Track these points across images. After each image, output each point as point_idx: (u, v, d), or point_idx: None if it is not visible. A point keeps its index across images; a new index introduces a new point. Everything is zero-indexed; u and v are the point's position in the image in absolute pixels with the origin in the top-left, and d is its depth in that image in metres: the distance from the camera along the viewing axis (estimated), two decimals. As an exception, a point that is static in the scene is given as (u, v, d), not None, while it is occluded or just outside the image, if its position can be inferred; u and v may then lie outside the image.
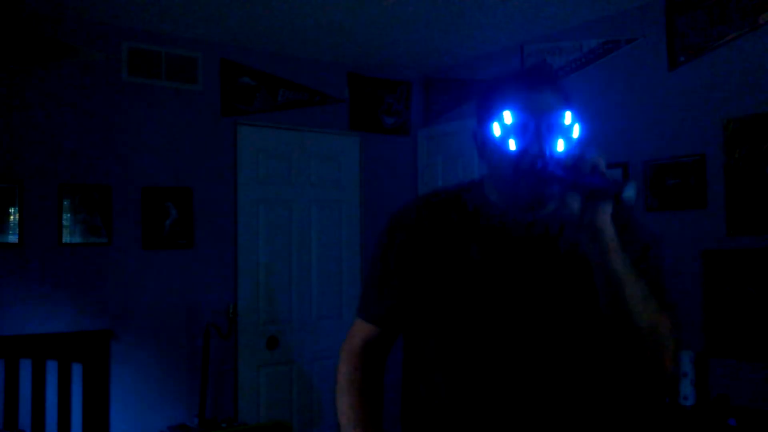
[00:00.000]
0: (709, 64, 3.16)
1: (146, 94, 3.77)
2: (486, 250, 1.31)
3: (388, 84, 4.64)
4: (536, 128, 1.20)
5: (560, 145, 1.18)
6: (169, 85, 3.83)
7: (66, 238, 3.51)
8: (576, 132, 1.21)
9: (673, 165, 3.25)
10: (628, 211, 1.24)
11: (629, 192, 1.01)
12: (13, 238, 3.38)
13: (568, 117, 1.20)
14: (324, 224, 4.39)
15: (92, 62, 3.62)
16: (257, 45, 4.07)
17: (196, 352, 3.77)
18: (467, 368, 1.33)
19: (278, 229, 4.22)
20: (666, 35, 3.32)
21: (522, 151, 1.20)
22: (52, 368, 3.43)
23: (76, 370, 3.49)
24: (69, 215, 3.52)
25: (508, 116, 1.21)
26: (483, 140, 1.30)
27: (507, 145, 1.21)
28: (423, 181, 4.67)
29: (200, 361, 3.72)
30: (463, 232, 1.33)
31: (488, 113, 1.27)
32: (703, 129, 3.16)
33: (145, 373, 3.69)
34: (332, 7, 3.48)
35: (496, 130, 1.22)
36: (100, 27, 3.64)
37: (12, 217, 3.38)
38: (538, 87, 1.23)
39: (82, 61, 3.58)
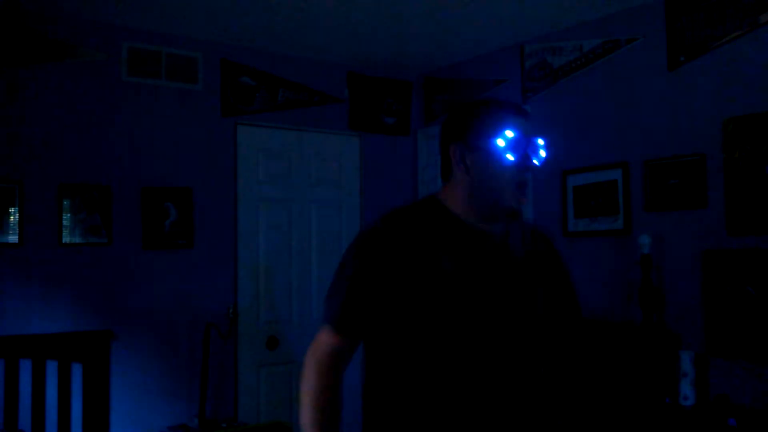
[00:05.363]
0: (709, 64, 3.16)
1: (146, 94, 3.77)
2: (456, 260, 1.50)
3: (388, 84, 4.63)
4: (527, 145, 1.52)
5: (542, 154, 1.56)
6: (169, 85, 3.83)
7: (66, 238, 3.51)
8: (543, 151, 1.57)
9: (673, 165, 3.25)
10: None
11: None
12: (13, 238, 3.38)
13: (541, 141, 1.56)
14: (324, 224, 4.38)
15: (92, 62, 3.62)
16: (257, 45, 4.07)
17: (196, 353, 3.77)
18: (450, 375, 1.46)
19: (278, 229, 4.22)
20: (666, 35, 3.32)
21: (523, 157, 1.52)
22: (52, 368, 3.42)
23: (76, 370, 3.49)
24: (69, 215, 3.52)
25: (509, 134, 1.50)
26: (474, 154, 1.54)
27: (505, 157, 1.51)
28: (423, 181, 4.66)
29: (200, 361, 3.72)
30: (433, 245, 1.50)
31: (489, 132, 1.52)
32: (702, 129, 3.16)
33: (145, 373, 3.69)
34: (332, 6, 3.48)
35: (501, 143, 1.50)
36: (100, 27, 3.63)
37: (12, 217, 3.38)
38: (526, 116, 1.56)
39: (82, 61, 3.58)
